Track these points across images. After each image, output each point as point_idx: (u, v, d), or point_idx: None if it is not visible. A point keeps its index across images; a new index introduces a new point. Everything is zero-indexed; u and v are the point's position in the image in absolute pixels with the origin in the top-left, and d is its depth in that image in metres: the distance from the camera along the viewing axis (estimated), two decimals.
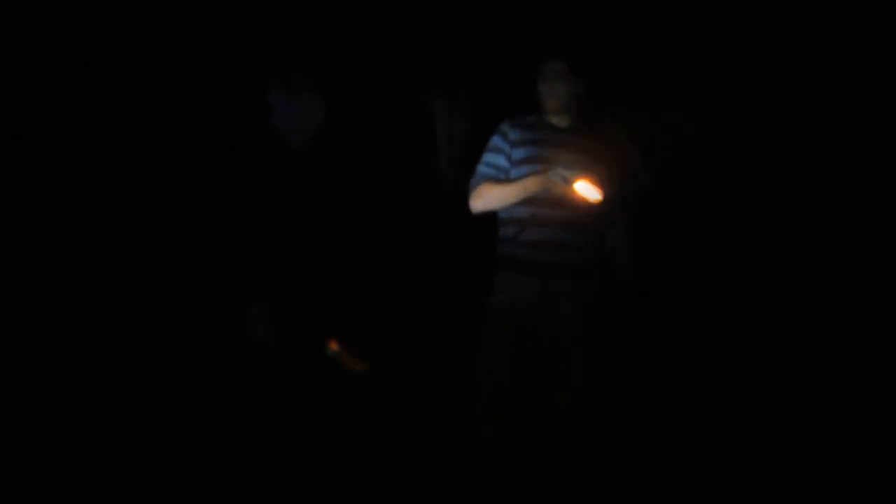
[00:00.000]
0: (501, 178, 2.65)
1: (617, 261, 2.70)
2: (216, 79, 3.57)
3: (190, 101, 3.54)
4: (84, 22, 3.41)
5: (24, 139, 3.36)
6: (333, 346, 2.84)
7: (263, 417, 2.78)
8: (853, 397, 3.17)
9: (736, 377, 3.37)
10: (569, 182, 2.51)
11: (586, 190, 2.52)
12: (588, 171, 2.54)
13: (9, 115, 3.34)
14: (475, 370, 2.66)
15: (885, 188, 3.23)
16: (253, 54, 3.58)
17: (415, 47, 3.68)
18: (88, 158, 3.44)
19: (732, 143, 3.48)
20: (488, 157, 2.69)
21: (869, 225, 3.25)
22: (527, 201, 2.60)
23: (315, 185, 2.88)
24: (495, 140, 2.70)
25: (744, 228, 3.45)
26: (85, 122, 3.43)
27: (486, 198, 2.68)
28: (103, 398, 3.33)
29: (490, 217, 2.71)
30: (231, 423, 3.20)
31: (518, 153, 2.66)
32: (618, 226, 2.71)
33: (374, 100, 3.36)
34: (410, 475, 3.06)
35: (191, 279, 3.53)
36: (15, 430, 3.16)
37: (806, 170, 3.34)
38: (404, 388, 3.55)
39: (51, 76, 3.39)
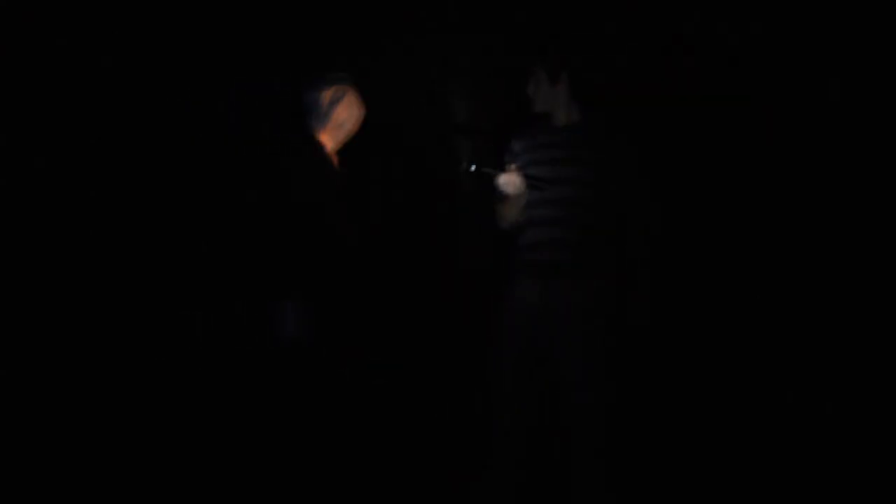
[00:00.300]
0: None
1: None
2: (216, 79, 3.57)
3: (190, 101, 3.54)
4: (84, 22, 3.41)
5: (24, 139, 3.36)
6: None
7: (295, 414, 2.79)
8: (853, 397, 3.17)
9: (736, 377, 3.36)
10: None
11: (505, 184, 2.61)
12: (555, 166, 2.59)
13: (9, 115, 3.34)
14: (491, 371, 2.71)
15: (886, 187, 3.23)
16: (253, 54, 3.59)
17: (415, 47, 3.68)
18: (88, 158, 3.44)
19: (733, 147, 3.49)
20: None
21: (869, 225, 3.25)
22: (526, 205, 2.64)
23: (341, 185, 2.91)
24: (506, 156, 2.77)
25: (743, 228, 3.45)
26: (85, 122, 3.44)
27: (500, 214, 2.76)
28: (104, 398, 3.34)
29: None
30: (258, 420, 3.22)
31: (520, 161, 2.70)
32: (634, 234, 2.68)
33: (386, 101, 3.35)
34: (435, 473, 3.09)
35: (190, 279, 3.54)
36: (15, 430, 3.16)
37: (806, 168, 3.34)
38: (430, 387, 3.57)
39: (51, 76, 3.39)
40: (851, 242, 3.25)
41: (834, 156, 3.29)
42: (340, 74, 2.89)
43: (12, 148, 3.34)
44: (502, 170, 2.64)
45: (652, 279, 2.66)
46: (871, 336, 3.19)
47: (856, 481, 2.93)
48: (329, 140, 2.89)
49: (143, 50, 3.49)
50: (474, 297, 3.70)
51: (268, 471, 3.07)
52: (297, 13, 3.63)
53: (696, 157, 3.47)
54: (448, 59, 3.70)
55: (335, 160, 2.92)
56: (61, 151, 3.41)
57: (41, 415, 3.24)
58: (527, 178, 2.62)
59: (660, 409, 3.37)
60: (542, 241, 2.65)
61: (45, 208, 3.38)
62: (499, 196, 2.70)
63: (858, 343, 3.20)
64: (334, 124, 2.85)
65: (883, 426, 3.08)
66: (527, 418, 2.65)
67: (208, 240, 3.55)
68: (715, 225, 3.47)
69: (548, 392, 2.65)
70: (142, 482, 3.00)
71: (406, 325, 3.56)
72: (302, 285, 2.72)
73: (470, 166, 2.66)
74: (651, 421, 3.31)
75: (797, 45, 3.35)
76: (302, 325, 2.68)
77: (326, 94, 2.84)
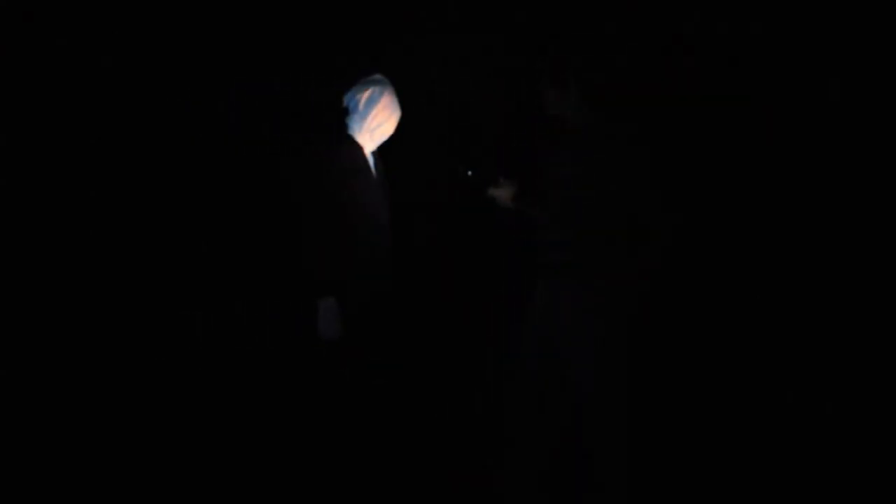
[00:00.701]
0: None
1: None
2: (216, 79, 3.57)
3: (190, 101, 3.54)
4: (84, 22, 3.41)
5: (24, 139, 3.36)
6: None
7: (333, 410, 2.82)
8: (853, 397, 3.17)
9: (736, 377, 3.37)
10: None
11: (498, 196, 2.73)
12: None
13: (9, 115, 3.34)
14: None
15: (886, 186, 3.23)
16: (253, 54, 3.59)
17: (415, 47, 3.68)
18: (88, 158, 3.44)
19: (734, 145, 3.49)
20: None
21: (869, 225, 3.25)
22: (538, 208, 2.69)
23: (380, 184, 2.94)
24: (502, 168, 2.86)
25: (743, 228, 3.45)
26: (85, 122, 3.44)
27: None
28: (103, 399, 3.34)
29: None
30: (262, 420, 3.24)
31: (542, 165, 2.80)
32: (637, 234, 2.69)
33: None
34: (435, 474, 3.10)
35: (190, 279, 3.54)
36: (15, 430, 3.16)
37: (807, 168, 3.35)
38: (430, 387, 3.57)
39: (51, 76, 3.39)
40: (851, 242, 3.25)
41: (834, 156, 3.29)
42: (378, 76, 2.93)
43: (12, 148, 3.34)
44: (496, 178, 2.70)
45: (655, 279, 2.66)
46: (871, 336, 3.19)
47: (856, 481, 2.93)
48: (366, 140, 2.93)
49: (143, 50, 3.49)
50: (474, 298, 3.70)
51: (271, 470, 3.07)
52: (298, 13, 3.63)
53: (695, 157, 3.47)
54: (448, 59, 3.70)
55: (370, 160, 2.97)
56: (61, 151, 3.41)
57: (41, 415, 3.24)
58: (517, 188, 2.68)
59: (660, 408, 3.37)
60: (545, 242, 2.67)
61: (45, 208, 3.38)
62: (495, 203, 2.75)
63: (858, 343, 3.20)
64: (371, 125, 2.89)
65: (883, 426, 3.08)
66: (543, 418, 2.66)
67: (208, 240, 3.56)
68: (715, 225, 3.47)
69: (561, 393, 2.66)
70: (142, 482, 3.00)
71: (406, 325, 3.57)
72: (315, 283, 2.75)
73: (467, 171, 2.70)
74: (651, 420, 3.31)
75: (797, 45, 3.34)
76: (337, 323, 2.73)
77: (363, 95, 2.88)
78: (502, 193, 2.73)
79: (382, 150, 3.06)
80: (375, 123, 2.90)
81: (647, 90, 3.45)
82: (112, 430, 3.25)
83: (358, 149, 2.91)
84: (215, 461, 3.14)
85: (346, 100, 2.91)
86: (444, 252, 3.76)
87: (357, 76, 2.95)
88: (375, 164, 2.98)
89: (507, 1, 3.65)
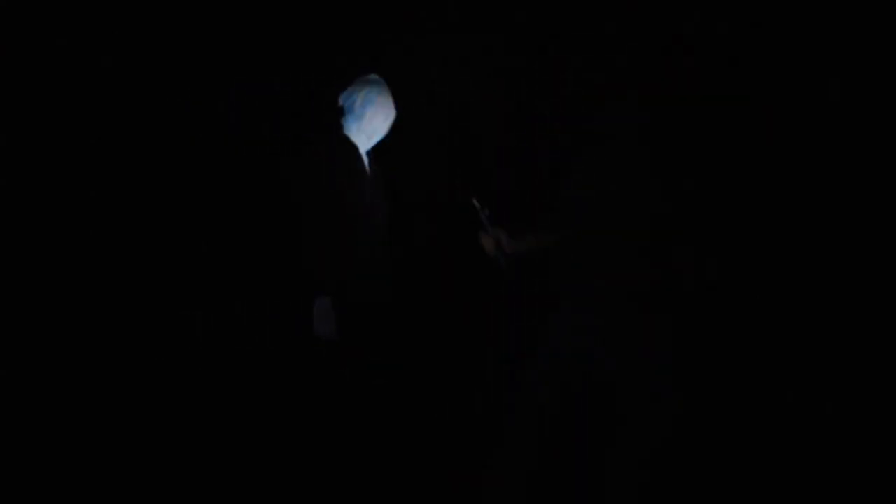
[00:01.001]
0: None
1: None
2: (216, 79, 3.57)
3: (190, 101, 3.54)
4: (84, 22, 3.41)
5: (24, 139, 3.37)
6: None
7: (332, 410, 2.82)
8: (853, 397, 3.17)
9: (736, 377, 3.36)
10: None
11: (483, 243, 2.78)
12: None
13: (9, 115, 3.35)
14: None
15: (886, 186, 3.23)
16: (253, 54, 3.59)
17: (415, 47, 3.69)
18: (88, 158, 3.44)
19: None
20: None
21: (869, 225, 3.25)
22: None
23: (374, 183, 2.95)
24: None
25: (743, 229, 3.45)
26: (85, 122, 3.44)
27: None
28: (103, 398, 3.34)
29: None
30: (262, 420, 3.25)
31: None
32: (642, 235, 2.68)
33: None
34: (434, 474, 3.11)
35: (190, 279, 3.54)
36: (15, 430, 3.17)
37: (807, 168, 3.35)
38: (430, 387, 3.58)
39: (51, 76, 3.39)
40: (851, 242, 3.25)
41: (834, 156, 3.29)
42: (373, 76, 2.95)
43: (12, 148, 3.35)
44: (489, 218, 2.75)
45: (656, 279, 2.67)
46: (871, 336, 3.19)
47: (856, 481, 2.93)
48: (362, 140, 2.95)
49: (143, 50, 3.49)
50: (474, 298, 3.70)
51: (271, 470, 3.07)
52: (298, 13, 3.63)
53: (695, 157, 3.47)
54: (448, 59, 3.70)
55: (366, 160, 2.98)
56: (61, 151, 3.41)
57: (41, 415, 3.24)
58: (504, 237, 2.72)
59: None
60: (551, 243, 2.68)
61: (45, 208, 3.38)
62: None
63: (858, 343, 3.20)
64: (367, 124, 2.91)
65: (883, 426, 3.08)
66: (542, 420, 2.67)
67: (208, 240, 3.56)
68: (715, 225, 3.47)
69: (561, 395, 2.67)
70: (142, 482, 3.00)
71: (406, 325, 3.57)
72: (315, 282, 2.76)
73: (472, 198, 2.74)
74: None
75: (797, 45, 3.35)
76: (332, 321, 2.74)
77: (359, 96, 2.89)
78: (489, 243, 2.76)
79: (382, 150, 3.06)
80: (371, 123, 2.91)
81: (647, 90, 3.45)
82: (112, 429, 3.25)
83: (354, 149, 2.91)
84: (215, 461, 3.14)
85: (341, 100, 2.92)
86: (444, 252, 3.76)
87: (356, 76, 2.96)
88: (371, 163, 2.99)
89: (507, 1, 3.66)
